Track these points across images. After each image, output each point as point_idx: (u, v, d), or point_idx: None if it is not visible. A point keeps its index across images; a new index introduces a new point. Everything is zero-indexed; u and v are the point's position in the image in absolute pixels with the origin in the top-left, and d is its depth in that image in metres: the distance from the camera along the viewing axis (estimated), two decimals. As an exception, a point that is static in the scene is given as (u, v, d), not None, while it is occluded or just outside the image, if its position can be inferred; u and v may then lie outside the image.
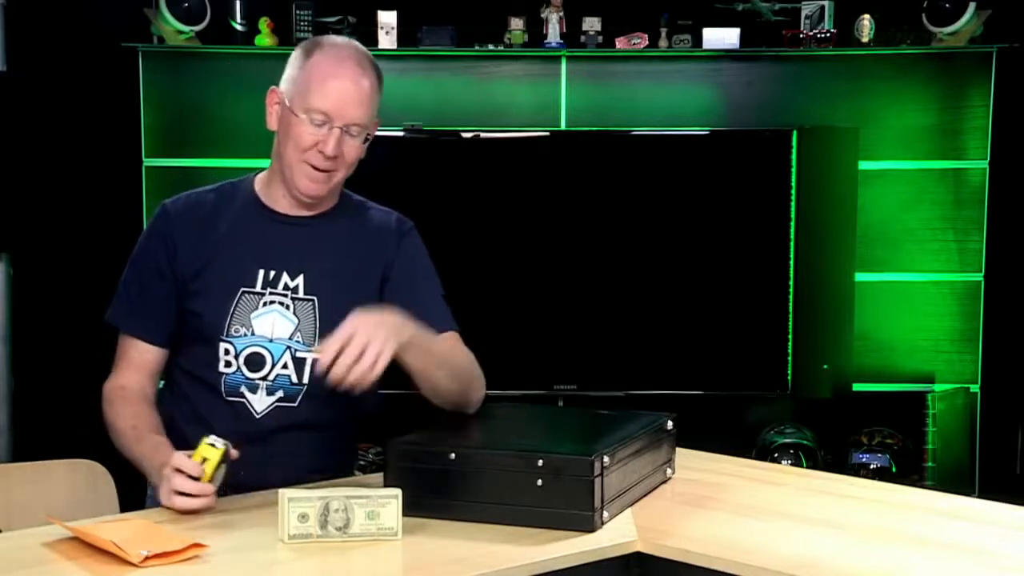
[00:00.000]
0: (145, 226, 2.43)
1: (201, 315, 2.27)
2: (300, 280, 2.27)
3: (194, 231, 2.30)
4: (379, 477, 2.02)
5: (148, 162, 4.27)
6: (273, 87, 2.29)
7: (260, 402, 2.26)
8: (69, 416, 4.16)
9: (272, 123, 2.30)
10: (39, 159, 4.24)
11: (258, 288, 2.27)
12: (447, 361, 2.23)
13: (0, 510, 2.27)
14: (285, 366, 2.26)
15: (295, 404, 2.27)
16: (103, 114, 4.28)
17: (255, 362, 2.26)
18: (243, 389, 2.26)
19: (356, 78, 2.25)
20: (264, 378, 2.26)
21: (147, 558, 1.71)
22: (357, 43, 2.37)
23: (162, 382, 2.39)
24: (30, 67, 4.27)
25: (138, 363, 2.30)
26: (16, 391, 4.31)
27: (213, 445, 1.95)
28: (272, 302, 2.26)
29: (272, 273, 2.27)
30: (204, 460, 1.95)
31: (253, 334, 2.25)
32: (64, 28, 4.32)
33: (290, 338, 2.26)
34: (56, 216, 4.29)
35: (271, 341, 2.26)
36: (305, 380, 2.27)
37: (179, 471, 1.95)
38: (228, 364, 2.26)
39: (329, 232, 2.31)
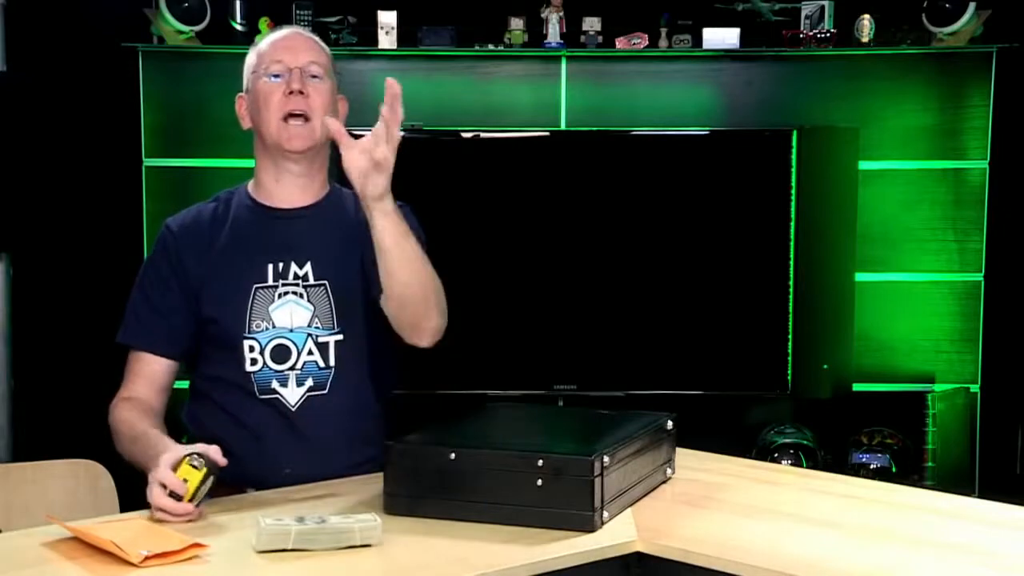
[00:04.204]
0: (145, 237, 2.47)
1: (219, 319, 2.30)
2: (308, 267, 2.31)
3: (198, 242, 2.34)
4: (378, 477, 2.02)
5: (148, 162, 4.27)
6: (240, 95, 2.43)
7: (292, 394, 2.29)
8: (69, 416, 4.17)
9: (246, 122, 2.41)
10: (39, 159, 4.23)
11: (270, 281, 2.30)
12: (415, 255, 2.19)
13: (0, 510, 2.27)
14: (311, 352, 2.29)
15: (326, 391, 2.30)
16: (103, 114, 4.28)
17: (281, 354, 2.29)
18: (274, 384, 2.29)
19: (297, 33, 2.42)
20: (292, 368, 2.29)
21: (147, 558, 1.71)
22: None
23: (184, 397, 2.42)
24: (30, 67, 4.27)
25: (146, 375, 2.33)
26: (16, 391, 4.31)
27: (195, 467, 1.94)
28: (286, 293, 2.30)
29: (281, 265, 2.31)
30: (186, 480, 1.93)
31: (274, 327, 2.29)
32: (64, 28, 4.32)
33: (309, 325, 2.30)
34: (56, 216, 4.29)
35: (291, 331, 2.29)
36: (332, 363, 2.30)
37: (162, 485, 1.94)
38: (254, 362, 2.29)
39: (327, 218, 2.37)
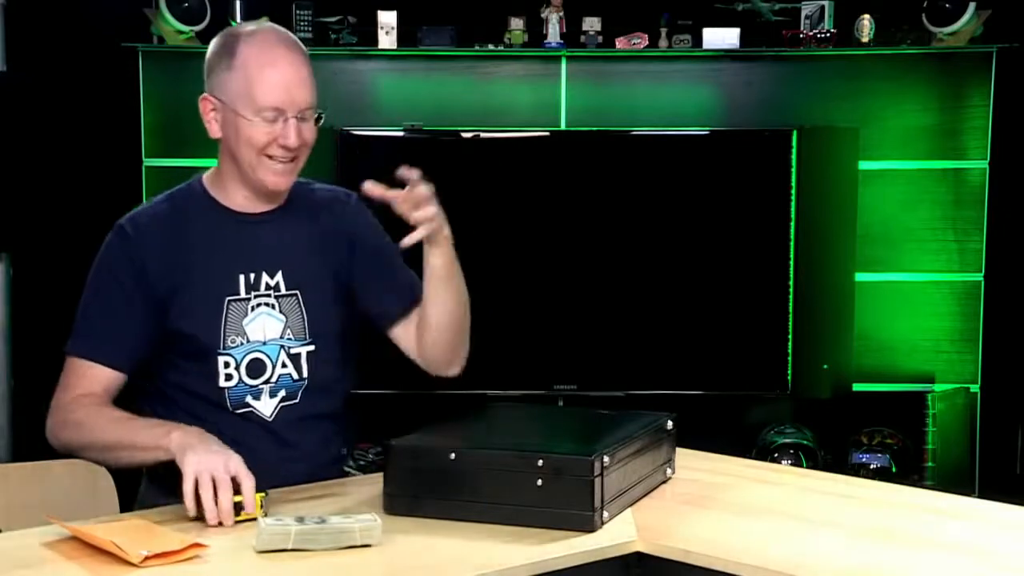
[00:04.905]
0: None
1: (193, 334, 2.20)
2: (280, 277, 2.24)
3: (161, 247, 2.22)
4: (378, 477, 2.02)
5: (148, 162, 4.27)
6: (204, 95, 2.21)
7: (266, 406, 2.24)
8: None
9: (214, 131, 2.22)
10: (39, 159, 4.23)
11: (243, 294, 2.23)
12: (462, 284, 2.28)
13: (0, 510, 2.27)
14: (284, 365, 2.25)
15: (297, 401, 2.27)
16: (103, 114, 4.28)
17: (256, 369, 2.23)
18: (248, 399, 2.23)
19: (292, 62, 2.19)
20: (267, 381, 2.24)
21: (147, 558, 1.71)
22: (274, 25, 2.32)
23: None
24: (30, 67, 4.27)
25: (99, 382, 2.18)
26: (16, 391, 4.31)
27: (263, 506, 1.93)
28: (259, 305, 2.23)
29: (252, 276, 2.23)
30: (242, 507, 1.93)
31: (248, 341, 2.22)
32: (64, 28, 4.32)
33: (281, 337, 2.24)
34: (56, 216, 4.29)
35: (265, 344, 2.23)
36: (305, 375, 2.26)
37: (232, 482, 1.92)
38: (229, 377, 2.22)
39: (292, 222, 2.29)
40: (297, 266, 2.26)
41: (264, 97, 2.15)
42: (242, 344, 2.22)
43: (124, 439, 2.09)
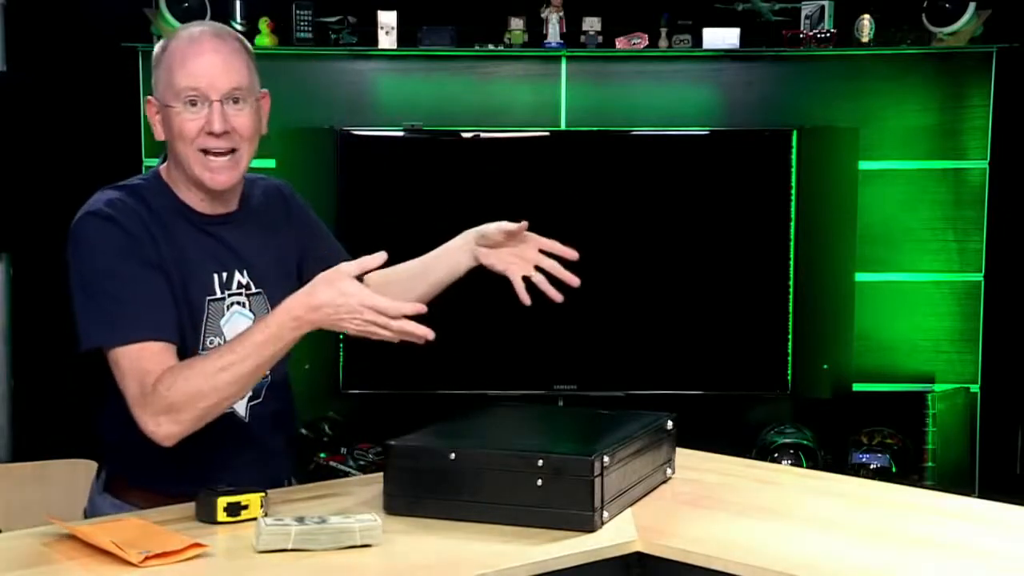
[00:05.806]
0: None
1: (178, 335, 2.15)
2: (247, 275, 2.22)
3: (144, 235, 2.13)
4: (378, 477, 2.02)
5: (148, 162, 4.27)
6: (149, 97, 2.21)
7: (239, 406, 2.22)
8: (69, 416, 4.17)
9: (158, 133, 2.20)
10: (39, 159, 4.23)
11: (219, 293, 2.20)
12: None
13: (0, 510, 2.27)
14: None
15: (261, 399, 2.25)
16: (103, 114, 4.28)
17: None
18: None
19: (215, 48, 2.13)
20: None
21: (147, 558, 1.71)
22: (213, 22, 2.33)
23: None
24: (30, 67, 4.27)
25: (170, 356, 2.07)
26: (16, 391, 4.31)
27: (263, 505, 1.93)
28: (232, 304, 2.21)
29: (225, 275, 2.20)
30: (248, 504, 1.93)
31: (225, 341, 2.17)
32: (64, 28, 4.32)
33: None
34: (56, 216, 4.26)
35: None
36: (267, 371, 2.21)
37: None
38: None
39: (253, 221, 2.26)
40: (259, 265, 2.24)
41: (183, 80, 2.12)
42: (219, 345, 2.17)
43: (238, 353, 2.00)
